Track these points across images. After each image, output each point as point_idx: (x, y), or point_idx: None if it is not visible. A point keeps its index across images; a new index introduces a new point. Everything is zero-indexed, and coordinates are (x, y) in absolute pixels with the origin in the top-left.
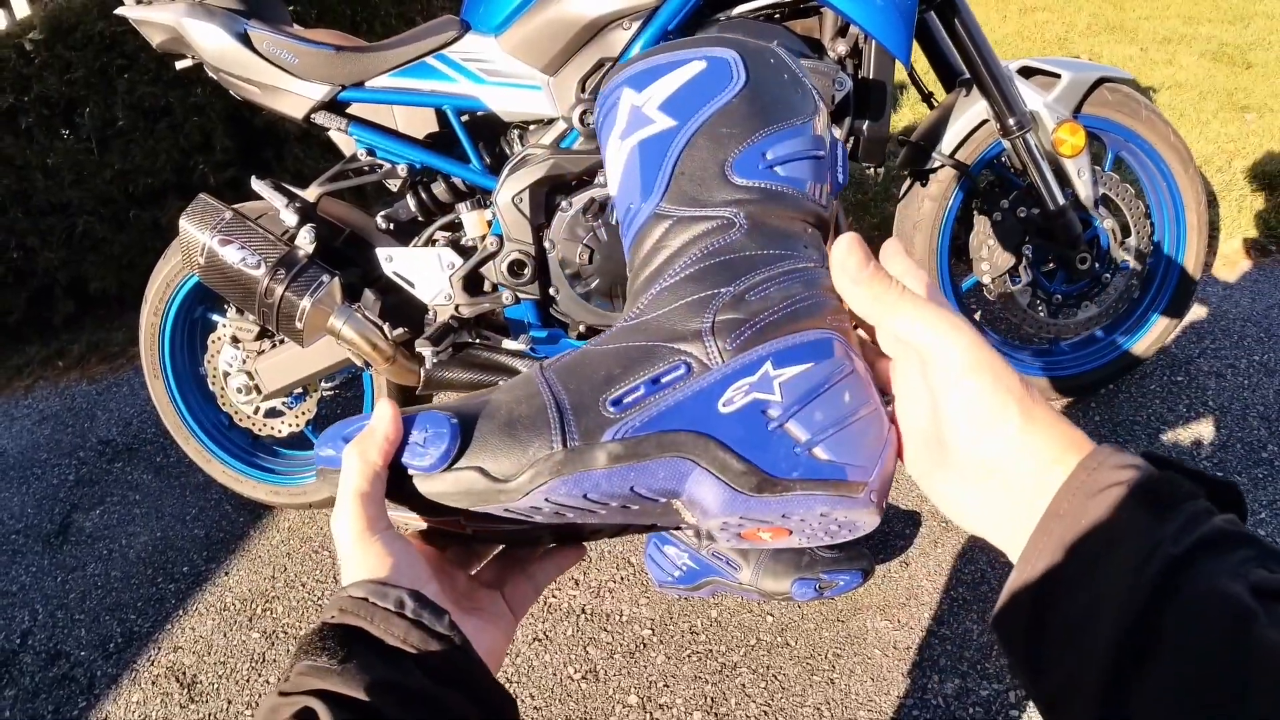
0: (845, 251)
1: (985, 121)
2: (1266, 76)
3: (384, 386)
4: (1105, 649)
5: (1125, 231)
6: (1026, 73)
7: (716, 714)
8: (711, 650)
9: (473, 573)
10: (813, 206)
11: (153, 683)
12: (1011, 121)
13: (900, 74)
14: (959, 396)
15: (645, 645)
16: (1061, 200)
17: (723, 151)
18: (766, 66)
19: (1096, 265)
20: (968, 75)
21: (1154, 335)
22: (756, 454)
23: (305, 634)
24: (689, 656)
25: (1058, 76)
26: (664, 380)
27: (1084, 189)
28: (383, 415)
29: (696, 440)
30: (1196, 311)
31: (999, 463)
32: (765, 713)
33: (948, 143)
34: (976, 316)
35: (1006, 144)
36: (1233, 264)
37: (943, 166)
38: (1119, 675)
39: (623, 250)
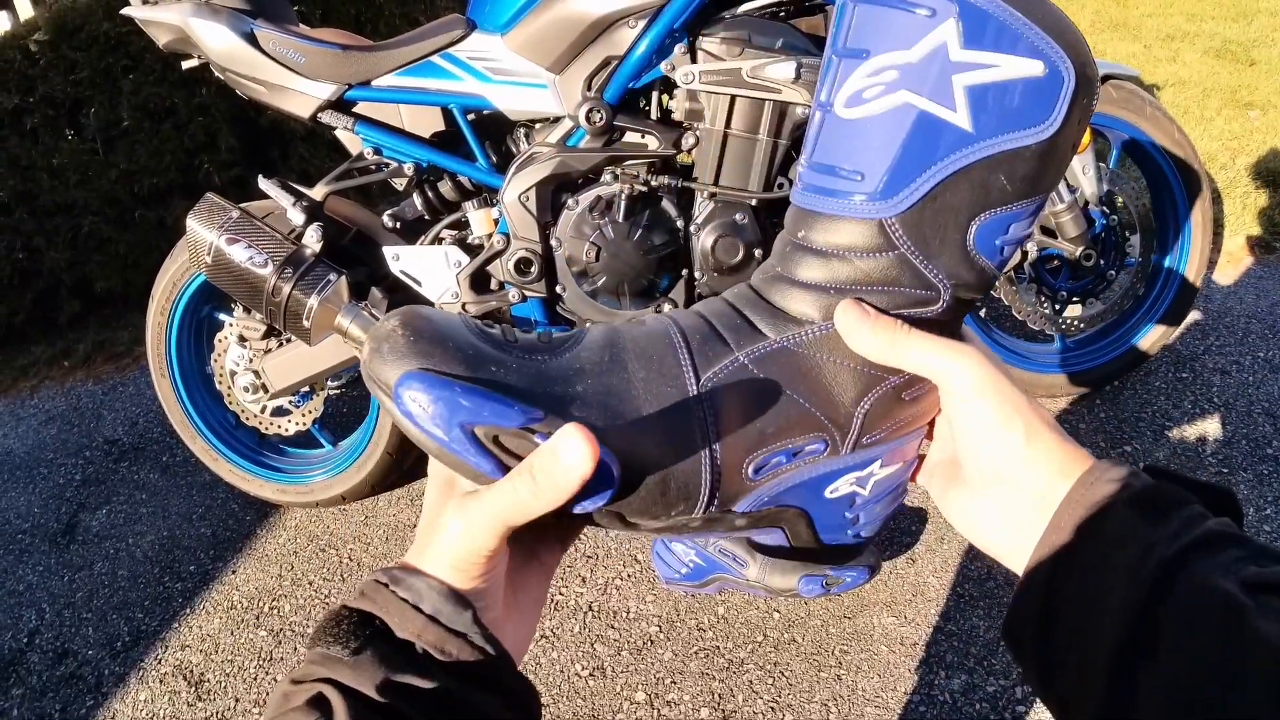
0: (845, 308)
1: None
2: (1270, 73)
3: None
4: (1107, 650)
5: (1130, 229)
6: None
7: (724, 711)
8: (719, 647)
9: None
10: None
11: (160, 681)
12: None
13: None
14: (968, 415)
15: (652, 642)
16: (1067, 197)
17: (979, 205)
18: (1083, 111)
19: (1101, 262)
20: None
21: (1159, 332)
22: (828, 535)
23: (325, 615)
24: (696, 653)
25: None
26: (803, 453)
27: (1089, 186)
28: (583, 459)
29: (798, 516)
30: (1201, 308)
31: (1005, 477)
32: (773, 709)
33: None
34: (982, 313)
35: None
36: (1237, 261)
37: None
38: (1121, 674)
39: (628, 249)
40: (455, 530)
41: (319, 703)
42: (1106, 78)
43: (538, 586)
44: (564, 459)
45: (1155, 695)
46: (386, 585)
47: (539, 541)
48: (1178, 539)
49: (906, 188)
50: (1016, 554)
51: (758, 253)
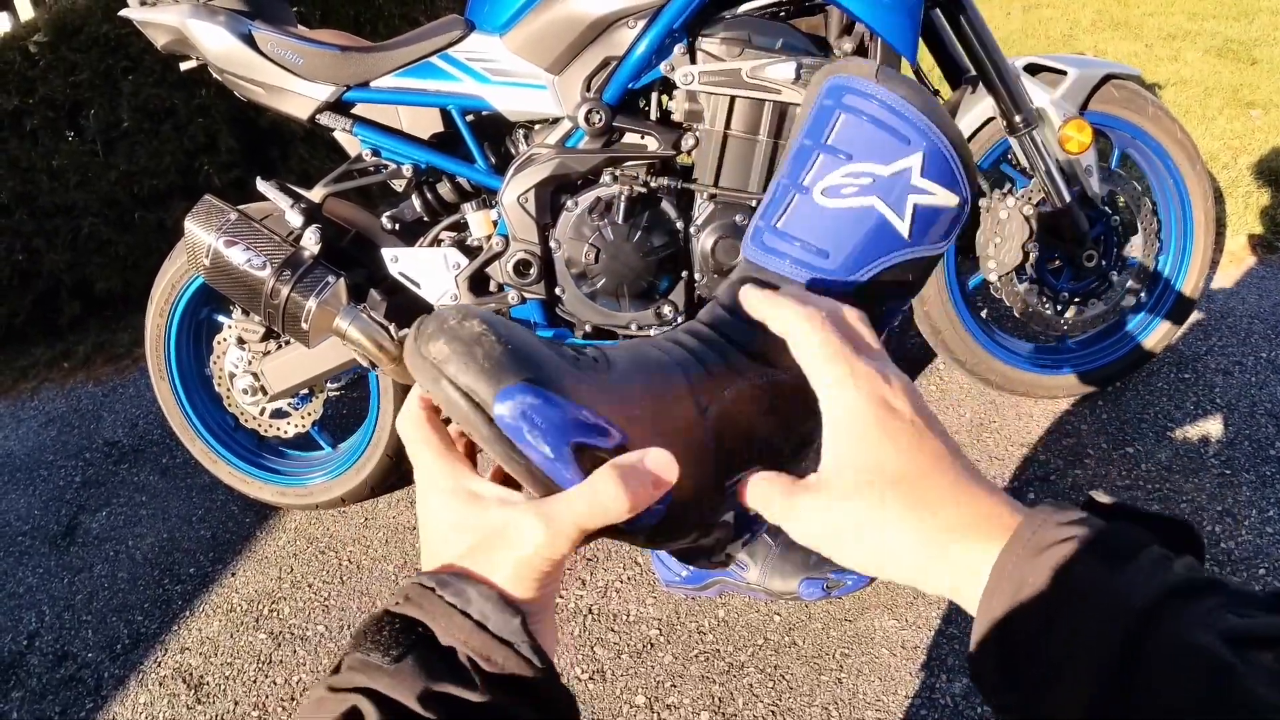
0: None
1: (991, 119)
2: (1272, 72)
3: (390, 386)
4: (1079, 710)
5: (1132, 229)
6: (1033, 70)
7: (724, 714)
8: (719, 650)
9: None
10: None
11: (160, 684)
12: (1018, 119)
13: (906, 71)
14: (891, 550)
15: (652, 645)
16: (1068, 197)
17: (896, 293)
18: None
19: (1103, 262)
20: (974, 73)
21: (1161, 332)
22: None
23: (367, 619)
24: (696, 656)
25: (1064, 73)
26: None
27: (1090, 186)
28: (669, 474)
29: None
30: (1204, 309)
31: (916, 558)
32: (773, 713)
33: None
34: (983, 314)
35: (1013, 141)
36: (1239, 261)
37: None
38: None
39: (628, 250)
40: (534, 534)
41: (353, 716)
42: (1108, 77)
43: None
44: (654, 471)
45: None
46: (433, 590)
47: None
48: (1146, 587)
49: (863, 269)
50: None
51: None
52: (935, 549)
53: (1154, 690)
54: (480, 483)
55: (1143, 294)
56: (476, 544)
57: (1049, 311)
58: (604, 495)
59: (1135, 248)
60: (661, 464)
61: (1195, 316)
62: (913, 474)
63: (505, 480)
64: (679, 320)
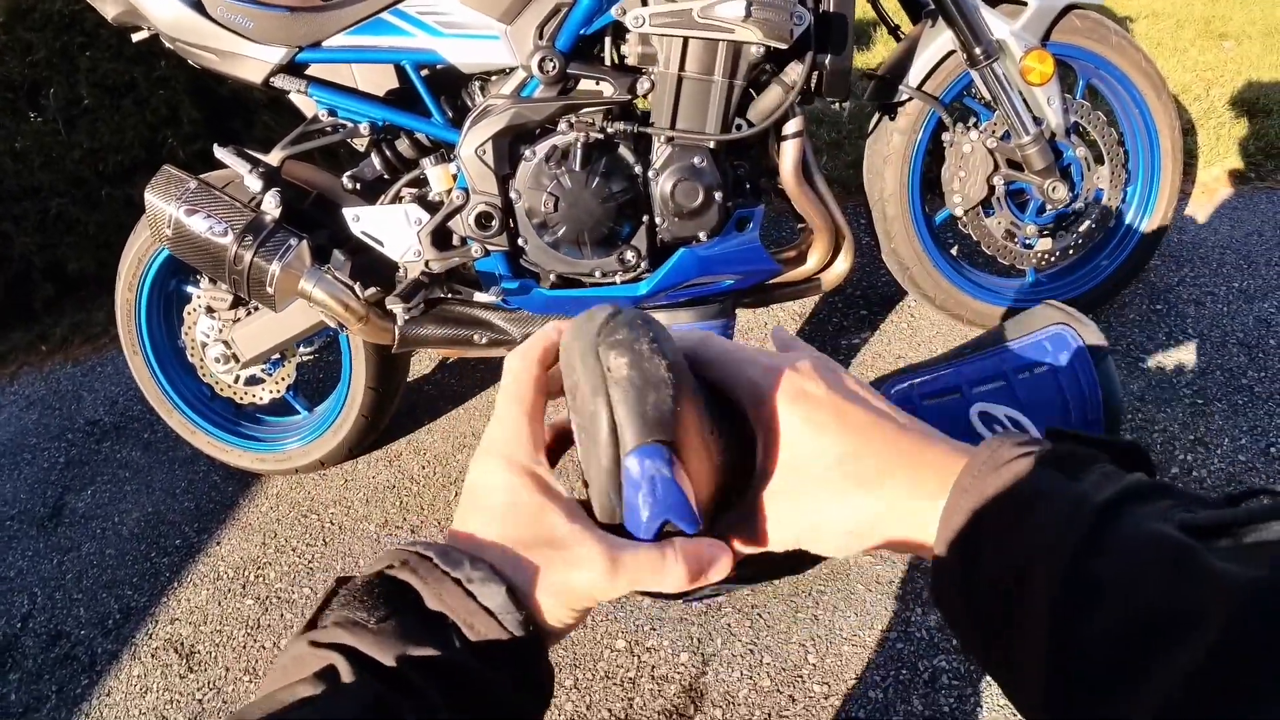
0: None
1: (952, 52)
2: (1243, 3)
3: (361, 347)
4: (1043, 604)
5: (1099, 160)
6: (993, 1)
7: (703, 655)
8: None
9: None
10: None
11: (152, 655)
12: (978, 51)
13: (866, 8)
14: (827, 517)
15: None
16: (1032, 129)
17: None
18: None
19: (1070, 194)
20: (932, 6)
21: (1132, 263)
22: None
23: (360, 579)
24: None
25: (1024, 4)
26: None
27: (1054, 117)
28: (724, 565)
29: None
30: (1175, 239)
31: (898, 526)
32: (751, 650)
33: (915, 75)
34: (952, 250)
35: (974, 74)
36: (1212, 192)
37: (911, 99)
38: (1061, 627)
39: (586, 198)
40: (594, 569)
41: (328, 673)
42: (1070, 7)
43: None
44: (713, 563)
45: (1101, 645)
46: (430, 559)
47: None
48: (1102, 490)
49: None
50: (913, 535)
51: (717, 195)
52: (900, 509)
53: (1117, 574)
54: (553, 477)
55: (1111, 225)
56: (526, 541)
57: (1017, 245)
58: (670, 569)
59: (1102, 179)
60: (720, 560)
61: (1167, 248)
62: (849, 450)
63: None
64: (643, 265)
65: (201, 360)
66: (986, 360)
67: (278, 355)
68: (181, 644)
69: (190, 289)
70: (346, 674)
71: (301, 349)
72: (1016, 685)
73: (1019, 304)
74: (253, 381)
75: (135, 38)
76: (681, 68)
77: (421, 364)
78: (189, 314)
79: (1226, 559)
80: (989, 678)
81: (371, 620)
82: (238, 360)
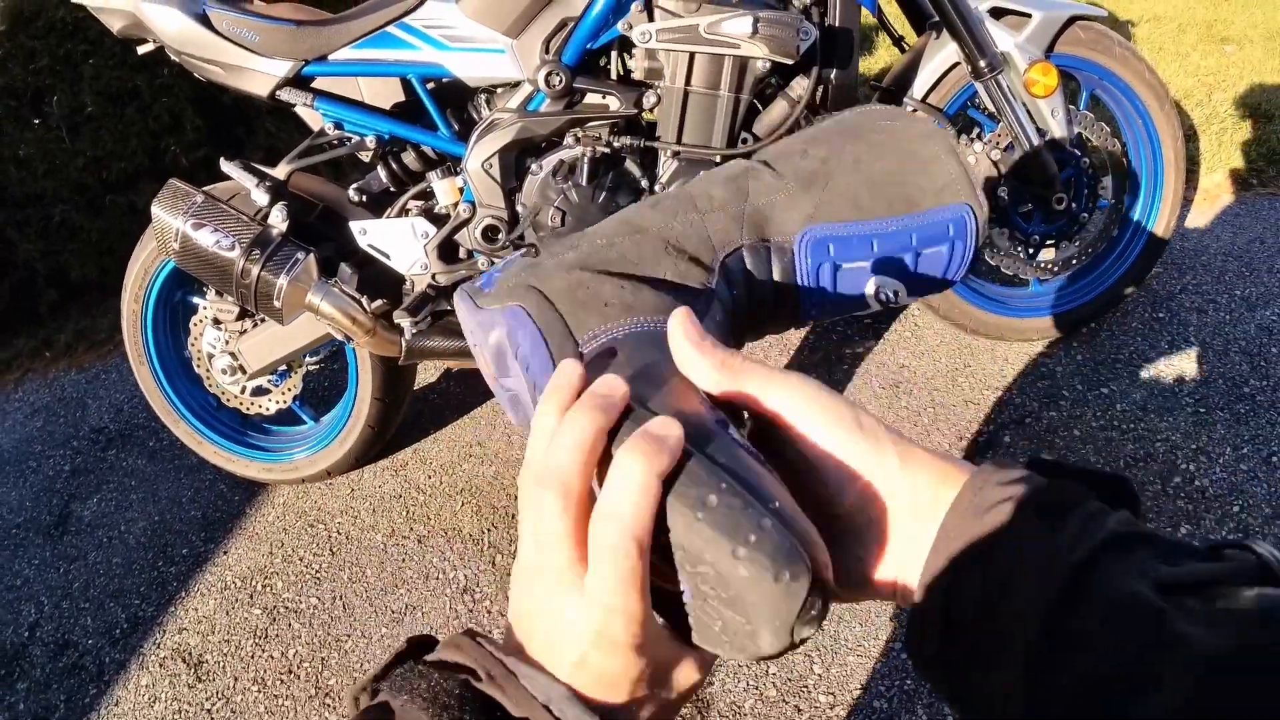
0: (680, 324)
1: (957, 64)
2: (1245, 7)
3: (367, 358)
4: (1017, 664)
5: (1102, 170)
6: (997, 13)
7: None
8: None
9: None
10: None
11: (160, 665)
12: (983, 63)
13: (870, 19)
14: (830, 448)
15: None
16: (1036, 141)
17: None
18: None
19: (1074, 205)
20: (937, 18)
21: (1135, 272)
22: None
23: (427, 668)
24: None
25: (1029, 16)
26: None
27: (1059, 129)
28: (618, 388)
29: None
30: (1177, 247)
31: (885, 502)
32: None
33: (919, 87)
34: None
35: (979, 86)
36: (1214, 199)
37: (915, 111)
38: (1034, 687)
39: (593, 211)
40: (592, 618)
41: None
42: (1074, 19)
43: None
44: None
45: (1071, 707)
46: (514, 675)
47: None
48: (1081, 541)
49: (821, 316)
50: (905, 579)
51: None
52: (921, 487)
53: (1088, 639)
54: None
55: (1114, 235)
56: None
57: (1021, 255)
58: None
59: (1106, 189)
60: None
61: (1169, 256)
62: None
63: None
64: None
65: (208, 371)
66: (899, 235)
67: (284, 366)
68: (189, 654)
69: (196, 300)
70: None
71: (308, 360)
72: None
73: (1022, 314)
74: (259, 392)
75: (141, 50)
76: (688, 82)
77: (427, 374)
78: (195, 325)
79: (1195, 623)
80: None
81: None
82: (244, 371)
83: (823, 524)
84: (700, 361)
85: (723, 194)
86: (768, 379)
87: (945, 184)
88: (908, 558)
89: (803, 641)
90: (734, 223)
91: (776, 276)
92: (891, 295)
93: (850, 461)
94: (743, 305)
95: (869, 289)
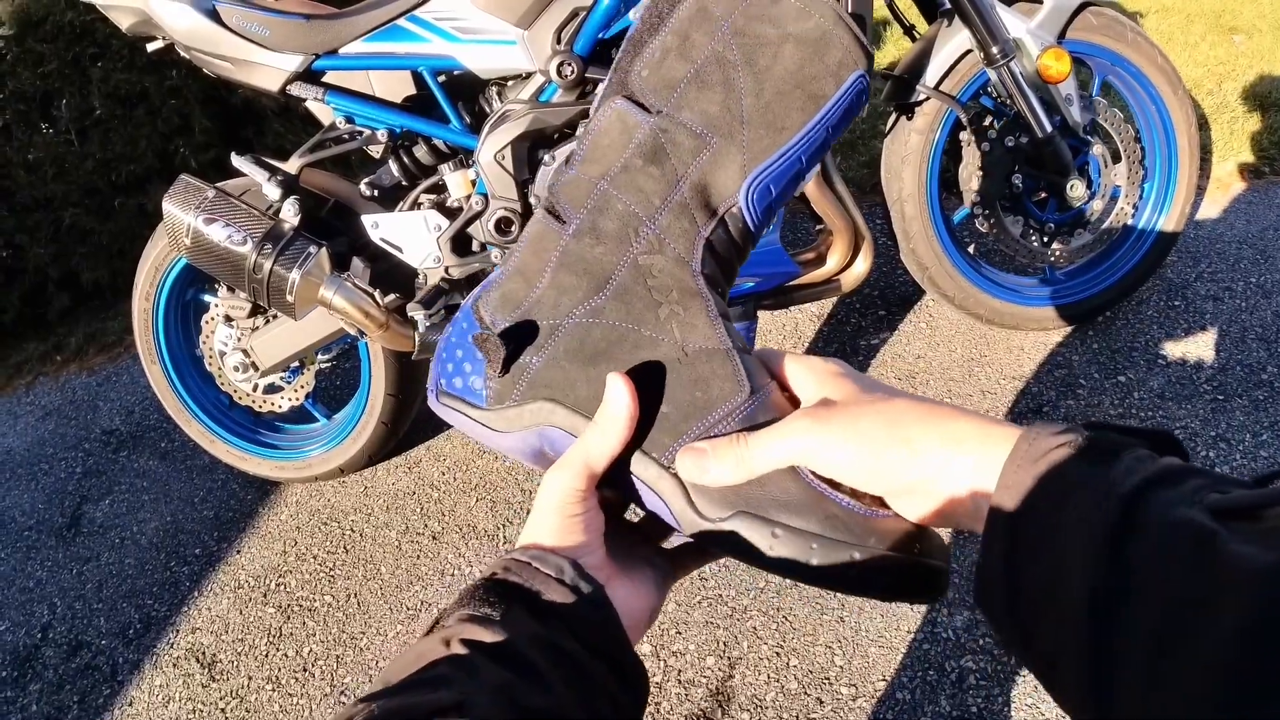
0: (682, 459)
1: (969, 51)
2: None
3: (380, 354)
4: (1080, 599)
5: (1115, 157)
6: (1008, 0)
7: (730, 658)
8: (721, 595)
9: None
10: None
11: (174, 665)
12: (995, 50)
13: (880, 9)
14: (866, 474)
15: None
16: (1049, 127)
17: None
18: None
19: (1088, 192)
20: (948, 5)
21: (1149, 260)
22: None
23: (468, 586)
24: (699, 603)
25: (1040, 2)
26: None
27: (1072, 115)
28: (622, 402)
29: None
30: (1191, 235)
31: (924, 485)
32: (778, 654)
33: (932, 74)
34: (970, 249)
35: (991, 73)
36: (1226, 187)
37: (928, 99)
38: (1098, 621)
39: None
40: (550, 481)
41: (459, 661)
42: (1085, 4)
43: (650, 587)
44: (614, 404)
45: (1135, 636)
46: (528, 563)
47: (654, 553)
48: (1132, 476)
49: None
50: (959, 525)
51: None
52: (937, 467)
53: (1146, 565)
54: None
55: (1129, 222)
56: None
57: (1035, 243)
58: (589, 436)
59: (1120, 176)
60: (615, 391)
61: (1183, 243)
62: (882, 420)
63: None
64: None
65: (220, 369)
66: (819, 134)
67: (296, 363)
68: (203, 653)
69: (208, 298)
70: (473, 662)
71: (320, 356)
72: (1057, 679)
73: (1037, 303)
74: (272, 390)
75: (150, 48)
76: None
77: None
78: (207, 323)
79: (1248, 543)
80: (1016, 678)
81: (496, 614)
82: (256, 369)
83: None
84: (716, 472)
85: (653, 184)
86: (780, 452)
87: (841, 59)
88: (947, 509)
89: (936, 575)
90: (683, 217)
91: (738, 240)
92: (810, 173)
93: (887, 473)
94: (719, 283)
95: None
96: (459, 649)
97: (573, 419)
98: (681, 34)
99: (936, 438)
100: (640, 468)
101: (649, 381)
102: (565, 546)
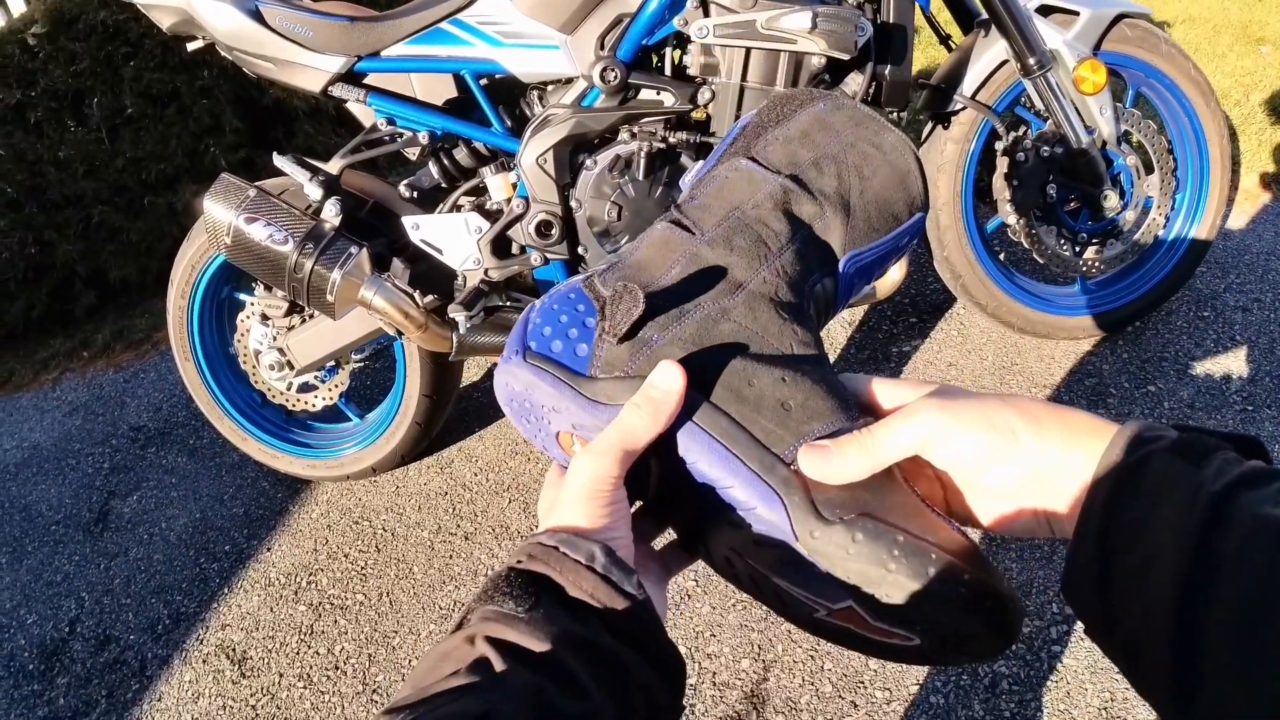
0: (805, 456)
1: (1005, 62)
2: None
3: (416, 354)
4: (1169, 589)
5: (1148, 168)
6: (1045, 11)
7: (764, 661)
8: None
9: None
10: None
11: (203, 661)
12: (1032, 61)
13: (916, 17)
14: (971, 458)
15: (690, 596)
16: (1084, 138)
17: None
18: None
19: (1120, 202)
20: (985, 16)
21: (1180, 270)
22: None
23: (492, 575)
24: (734, 605)
25: (1076, 14)
26: None
27: (1106, 126)
28: (675, 381)
29: None
30: (1220, 246)
31: (1030, 479)
32: (812, 657)
33: (969, 84)
34: (1002, 257)
35: (1027, 84)
36: (1254, 198)
37: (964, 108)
38: (1185, 609)
39: (649, 207)
40: (584, 464)
41: (481, 665)
42: (1121, 16)
43: (655, 581)
44: (665, 382)
45: (1222, 626)
46: (556, 548)
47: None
48: (1221, 477)
49: None
50: (1059, 525)
51: None
52: (1054, 461)
53: (1233, 559)
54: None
55: (1161, 232)
56: (555, 503)
57: (1068, 253)
58: (629, 417)
59: (1152, 187)
60: (668, 374)
61: (1212, 254)
62: (999, 415)
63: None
64: None
65: (254, 367)
66: (890, 247)
67: (332, 363)
68: (233, 650)
69: (243, 296)
70: (499, 665)
71: (355, 356)
72: (1140, 664)
73: (1068, 312)
74: (306, 388)
75: (190, 47)
76: (744, 78)
77: (472, 371)
78: (242, 321)
79: None
80: (1048, 683)
81: (520, 610)
82: (292, 368)
83: (976, 499)
84: (842, 465)
85: (782, 227)
86: (907, 437)
87: (915, 196)
88: (1053, 501)
89: (1021, 618)
90: (799, 259)
91: (823, 305)
92: (866, 291)
93: (991, 460)
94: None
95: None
96: (484, 649)
97: (713, 416)
98: (803, 130)
99: (1060, 428)
100: (756, 461)
101: (757, 379)
102: (593, 529)
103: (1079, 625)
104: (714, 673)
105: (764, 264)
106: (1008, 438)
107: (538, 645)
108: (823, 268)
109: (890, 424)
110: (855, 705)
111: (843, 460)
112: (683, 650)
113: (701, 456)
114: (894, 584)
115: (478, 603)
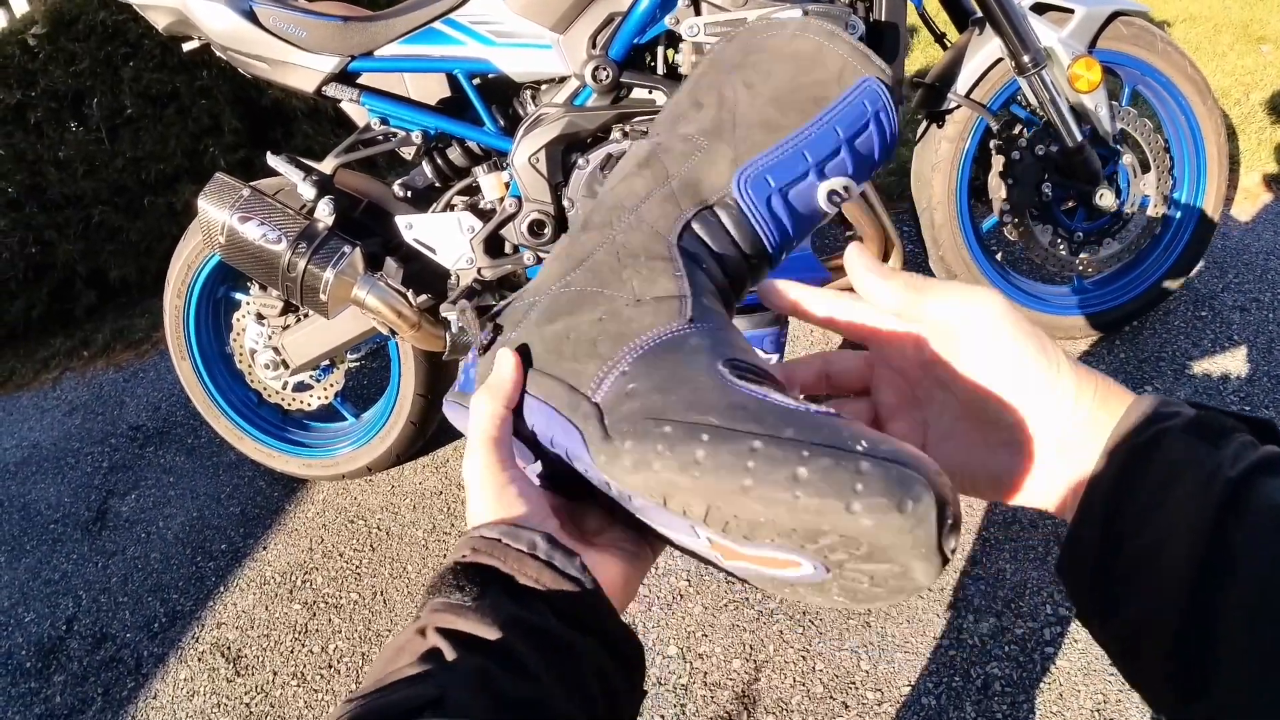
0: (858, 256)
1: (1000, 60)
2: None
3: (410, 354)
4: (1183, 572)
5: (1145, 166)
6: (1040, 9)
7: (755, 661)
8: (748, 598)
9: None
10: None
11: (199, 659)
12: (1026, 59)
13: (911, 15)
14: (1008, 360)
15: (682, 596)
16: (1079, 137)
17: None
18: None
19: (1116, 202)
20: (980, 14)
21: (1177, 269)
22: None
23: (437, 573)
24: (726, 605)
25: (1071, 12)
26: None
27: (1102, 124)
28: (507, 363)
29: None
30: (1218, 245)
31: (1051, 421)
32: (803, 657)
33: (963, 82)
34: (998, 257)
35: (1022, 82)
36: (1254, 197)
37: (959, 107)
38: (1201, 594)
39: None
40: (468, 465)
41: (432, 655)
42: (1116, 14)
43: (617, 556)
44: (499, 368)
45: (1237, 612)
46: (498, 540)
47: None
48: (1239, 461)
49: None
50: (1062, 496)
51: None
52: (1088, 411)
53: (1250, 545)
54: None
55: (1157, 232)
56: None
57: (1064, 252)
58: (475, 409)
59: (1149, 185)
60: (500, 359)
61: (1210, 254)
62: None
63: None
64: None
65: (250, 366)
66: (824, 134)
67: (327, 362)
68: (228, 648)
69: (239, 295)
70: (450, 654)
71: (350, 356)
72: (1140, 652)
73: (1064, 312)
74: (301, 388)
75: (186, 47)
76: None
77: None
78: (238, 320)
79: None
80: (1041, 685)
81: (468, 600)
82: (287, 367)
83: (985, 432)
84: (886, 286)
85: (643, 183)
86: (959, 293)
87: (841, 67)
88: (1061, 471)
89: (952, 553)
90: (668, 202)
91: (733, 233)
92: (843, 192)
93: (1026, 378)
94: (718, 278)
95: (820, 198)
96: (436, 639)
97: (537, 379)
98: (693, 82)
99: (1094, 382)
100: (566, 404)
101: (575, 330)
102: (525, 518)
103: (1073, 627)
104: (705, 673)
105: (616, 225)
106: (1052, 369)
107: (487, 633)
108: (704, 199)
109: (948, 286)
110: (846, 706)
111: (883, 274)
112: (674, 650)
113: (539, 421)
114: (711, 490)
115: (427, 597)
